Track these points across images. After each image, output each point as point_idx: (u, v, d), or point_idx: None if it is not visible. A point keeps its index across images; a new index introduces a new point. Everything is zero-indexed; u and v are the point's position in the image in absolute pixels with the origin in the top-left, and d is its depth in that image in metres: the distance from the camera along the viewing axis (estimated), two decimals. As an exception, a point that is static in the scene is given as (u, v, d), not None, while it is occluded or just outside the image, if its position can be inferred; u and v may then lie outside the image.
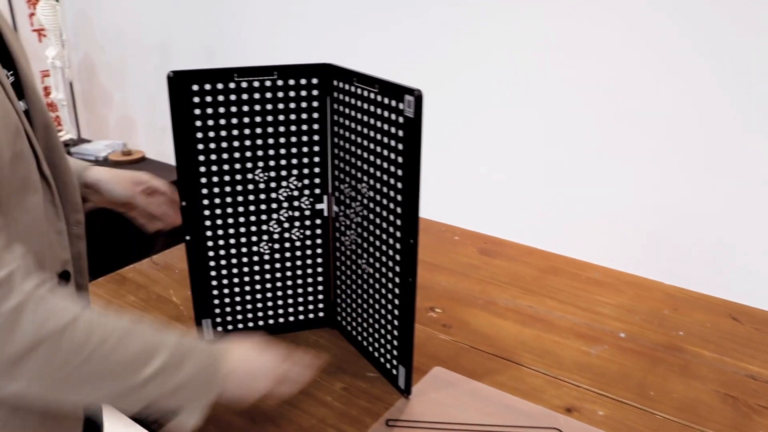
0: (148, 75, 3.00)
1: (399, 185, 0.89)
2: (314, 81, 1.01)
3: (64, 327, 0.65)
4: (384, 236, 0.95)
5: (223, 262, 1.07)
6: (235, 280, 1.09)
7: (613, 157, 1.71)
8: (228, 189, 1.03)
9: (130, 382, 0.69)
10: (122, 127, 3.40)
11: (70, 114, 3.45)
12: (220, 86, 0.97)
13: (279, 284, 1.12)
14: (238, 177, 1.03)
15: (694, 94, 1.57)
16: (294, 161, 1.04)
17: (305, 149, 1.04)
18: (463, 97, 1.91)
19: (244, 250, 1.07)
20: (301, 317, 1.16)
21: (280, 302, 1.13)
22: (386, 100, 0.88)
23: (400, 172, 0.89)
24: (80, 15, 3.29)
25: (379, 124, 0.91)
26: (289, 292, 1.13)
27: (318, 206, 1.08)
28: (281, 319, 1.15)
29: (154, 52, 2.99)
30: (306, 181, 1.06)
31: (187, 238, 1.04)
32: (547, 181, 1.84)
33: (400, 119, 0.86)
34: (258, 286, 1.11)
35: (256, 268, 1.09)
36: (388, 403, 0.99)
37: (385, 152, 0.91)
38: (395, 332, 0.98)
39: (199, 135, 0.98)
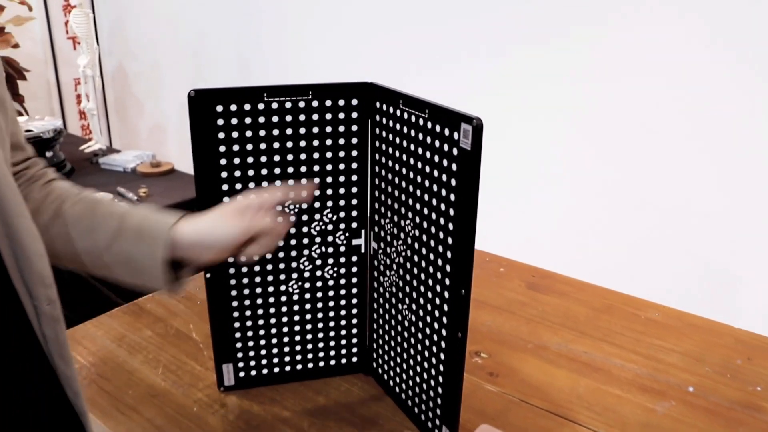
0: (180, 85, 2.94)
1: (450, 226, 0.78)
2: (354, 102, 0.90)
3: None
4: (430, 282, 0.84)
5: (247, 302, 0.97)
6: (260, 321, 0.99)
7: (676, 183, 1.58)
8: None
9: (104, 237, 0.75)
10: (154, 137, 3.35)
11: (101, 123, 3.41)
12: (247, 107, 0.86)
13: (309, 327, 1.01)
14: None
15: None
16: (329, 192, 0.94)
17: (342, 178, 0.93)
18: (504, 106, 1.79)
19: (270, 289, 0.97)
20: (333, 362, 1.04)
21: (309, 346, 1.02)
22: (438, 128, 0.76)
23: (452, 212, 0.77)
24: (116, 23, 3.25)
25: (428, 154, 0.79)
26: (320, 335, 1.02)
27: (355, 242, 0.97)
28: (310, 364, 1.04)
29: (188, 62, 2.93)
30: (342, 214, 0.95)
31: (208, 275, 0.93)
32: (601, 208, 1.70)
33: (454, 151, 0.74)
34: (285, 329, 1.00)
35: (284, 309, 0.99)
36: (428, 466, 0.88)
37: (435, 187, 0.79)
38: (439, 389, 0.86)
39: (223, 161, 0.88)
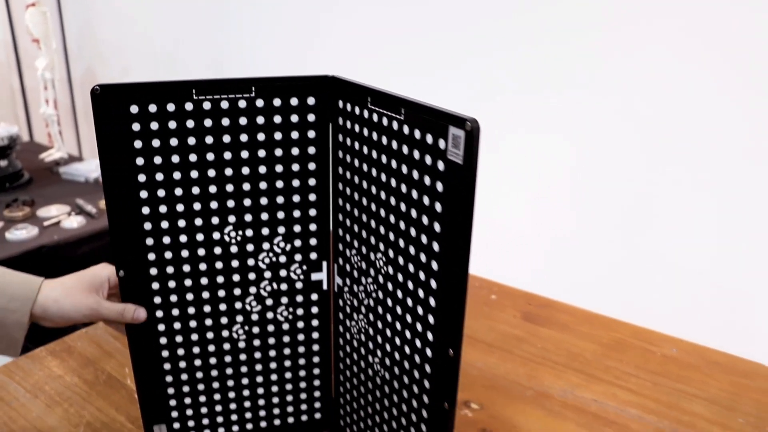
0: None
1: (434, 265, 0.59)
2: (310, 101, 0.71)
3: None
4: (407, 334, 0.65)
5: (180, 351, 0.77)
6: (198, 374, 0.79)
7: (691, 200, 1.40)
8: (185, 253, 0.73)
9: None
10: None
11: (66, 130, 3.21)
12: (171, 108, 0.67)
13: (260, 379, 0.81)
14: (200, 237, 0.73)
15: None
16: (281, 215, 0.75)
17: (296, 198, 0.74)
18: (496, 120, 1.61)
19: (209, 335, 0.78)
20: (291, 419, 0.85)
21: (261, 402, 0.83)
22: (418, 134, 0.58)
23: (436, 246, 0.58)
24: (84, 26, 3.07)
25: (405, 169, 0.61)
26: (274, 389, 0.82)
27: (314, 276, 0.78)
28: (263, 423, 0.84)
29: (161, 67, 2.74)
30: (297, 243, 0.76)
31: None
32: (606, 228, 1.52)
33: (440, 165, 0.56)
34: (231, 382, 0.81)
35: (228, 359, 0.79)
36: None
37: (413, 213, 0.60)
38: None
39: (142, 178, 0.69)
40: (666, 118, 1.39)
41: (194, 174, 0.70)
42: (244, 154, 0.71)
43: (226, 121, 0.69)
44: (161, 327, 0.76)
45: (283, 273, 0.77)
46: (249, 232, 0.74)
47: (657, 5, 1.33)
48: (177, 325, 0.76)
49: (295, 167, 0.73)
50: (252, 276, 0.76)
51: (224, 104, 0.69)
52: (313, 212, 0.75)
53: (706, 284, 1.41)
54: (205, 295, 0.75)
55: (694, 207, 1.41)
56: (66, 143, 3.05)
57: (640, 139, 1.44)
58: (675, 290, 1.43)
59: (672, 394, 0.99)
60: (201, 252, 0.73)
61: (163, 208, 0.71)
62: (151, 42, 2.78)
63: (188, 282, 0.74)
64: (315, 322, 0.80)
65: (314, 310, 0.80)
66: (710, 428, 0.92)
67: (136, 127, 0.67)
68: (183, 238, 0.72)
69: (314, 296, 0.79)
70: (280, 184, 0.73)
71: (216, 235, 0.73)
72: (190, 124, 0.68)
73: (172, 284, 0.74)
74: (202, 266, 0.74)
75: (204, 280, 0.75)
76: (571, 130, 1.53)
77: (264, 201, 0.73)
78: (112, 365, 1.01)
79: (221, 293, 0.76)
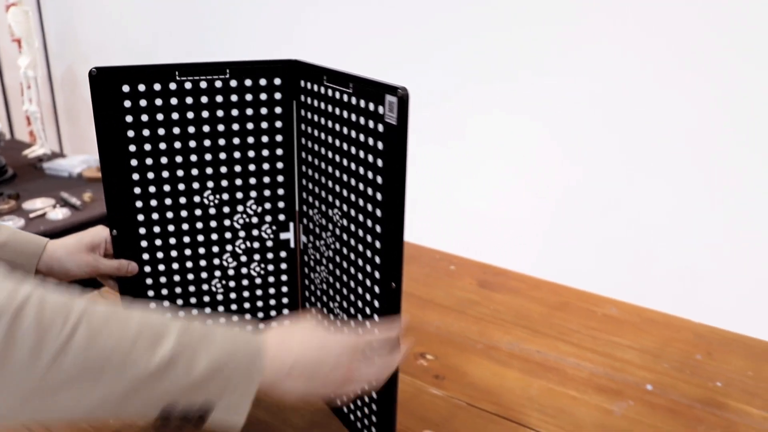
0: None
1: (378, 213, 0.70)
2: (276, 82, 0.82)
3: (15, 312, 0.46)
4: (360, 276, 0.76)
5: (166, 303, 0.88)
6: None
7: (630, 176, 1.53)
8: (170, 215, 0.84)
9: (131, 376, 0.51)
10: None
11: (49, 128, 3.28)
12: (157, 87, 0.78)
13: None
14: (183, 200, 0.84)
15: (722, 111, 1.39)
16: (252, 180, 0.86)
17: (266, 166, 0.85)
18: (460, 103, 1.73)
19: (191, 288, 0.88)
20: None
21: None
22: (363, 103, 0.69)
23: (379, 196, 0.70)
24: (64, 25, 3.14)
25: (353, 134, 0.72)
26: None
27: (283, 236, 0.89)
28: None
29: (140, 63, 2.82)
30: (267, 205, 0.87)
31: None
32: (555, 203, 1.64)
33: (380, 127, 0.67)
34: None
35: (208, 310, 0.90)
36: (365, 479, 0.80)
37: (361, 170, 0.72)
38: (373, 393, 0.79)
39: (132, 148, 0.80)
40: (605, 99, 1.52)
41: (177, 145, 0.81)
42: (221, 128, 0.82)
43: (204, 99, 0.80)
44: (149, 281, 0.86)
45: (255, 233, 0.88)
46: (225, 196, 0.85)
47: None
48: (163, 279, 0.86)
49: (265, 139, 0.84)
50: (228, 235, 0.87)
51: (203, 84, 0.79)
52: (280, 178, 0.86)
53: (646, 253, 1.54)
54: (187, 252, 0.86)
55: (630, 184, 1.53)
56: (48, 141, 3.12)
57: (587, 120, 1.56)
58: (616, 257, 1.56)
59: (608, 346, 1.11)
60: (183, 214, 0.84)
61: (150, 175, 0.81)
62: (128, 41, 2.85)
63: (172, 240, 0.85)
64: (284, 277, 0.91)
65: (283, 266, 0.90)
66: (638, 372, 1.04)
67: (127, 104, 0.78)
68: (168, 201, 0.83)
69: (283, 253, 0.90)
70: (251, 153, 0.84)
71: (197, 199, 0.84)
72: (173, 101, 0.79)
73: (158, 242, 0.85)
74: (185, 226, 0.85)
75: (186, 239, 0.85)
76: (521, 113, 1.65)
77: (238, 168, 0.84)
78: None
79: (201, 251, 0.87)
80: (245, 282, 0.90)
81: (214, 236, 0.86)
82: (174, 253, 0.86)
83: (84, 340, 0.49)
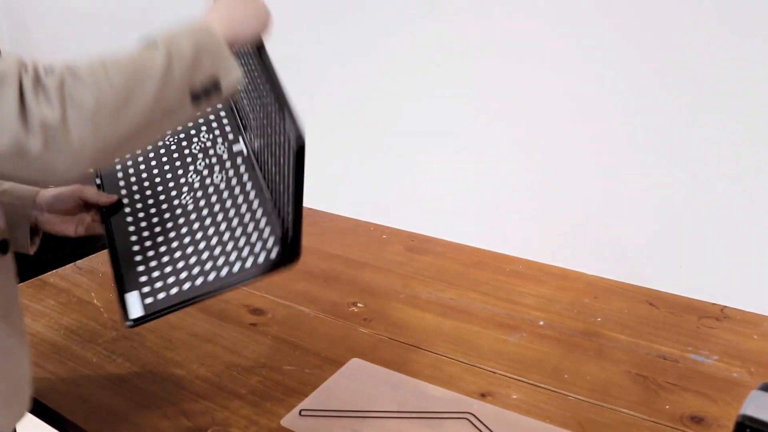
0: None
1: None
2: None
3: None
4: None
5: (143, 224, 1.01)
6: (160, 239, 0.99)
7: (532, 150, 1.70)
8: (140, 153, 1.07)
9: (154, 78, 0.68)
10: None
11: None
12: None
13: (212, 232, 0.98)
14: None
15: (614, 79, 1.58)
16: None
17: None
18: (389, 84, 1.89)
19: (164, 206, 1.03)
20: (249, 263, 0.94)
21: (217, 251, 0.96)
22: None
23: None
24: (18, 27, 3.21)
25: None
26: (226, 237, 0.97)
27: (236, 148, 1.06)
28: (224, 271, 0.94)
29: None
30: (217, 132, 1.08)
31: (104, 209, 1.01)
32: (473, 176, 1.82)
33: None
34: (189, 242, 0.97)
35: (182, 221, 1.00)
36: (303, 394, 0.99)
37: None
38: None
39: None
40: (521, 70, 1.71)
41: None
42: None
43: None
44: (127, 209, 1.02)
45: (211, 152, 1.06)
46: (182, 135, 1.07)
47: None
48: (139, 205, 1.02)
49: None
50: (189, 159, 1.06)
51: None
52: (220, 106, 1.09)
53: (551, 216, 1.72)
54: (157, 179, 1.04)
55: (537, 159, 1.72)
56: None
57: (499, 94, 1.75)
58: (526, 223, 1.75)
59: (511, 294, 1.31)
60: (151, 155, 1.06)
61: None
62: (88, 42, 2.93)
63: (144, 174, 1.05)
64: (245, 178, 1.01)
65: (242, 170, 1.02)
66: (533, 312, 1.24)
67: None
68: None
69: (239, 161, 1.03)
70: None
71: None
72: None
73: (132, 179, 1.05)
74: (153, 162, 1.06)
75: (155, 170, 1.05)
76: (436, 95, 1.81)
77: None
78: (80, 292, 1.28)
79: (168, 175, 1.04)
80: (211, 190, 1.03)
81: (178, 162, 1.06)
82: (146, 184, 1.05)
83: (117, 72, 0.67)
